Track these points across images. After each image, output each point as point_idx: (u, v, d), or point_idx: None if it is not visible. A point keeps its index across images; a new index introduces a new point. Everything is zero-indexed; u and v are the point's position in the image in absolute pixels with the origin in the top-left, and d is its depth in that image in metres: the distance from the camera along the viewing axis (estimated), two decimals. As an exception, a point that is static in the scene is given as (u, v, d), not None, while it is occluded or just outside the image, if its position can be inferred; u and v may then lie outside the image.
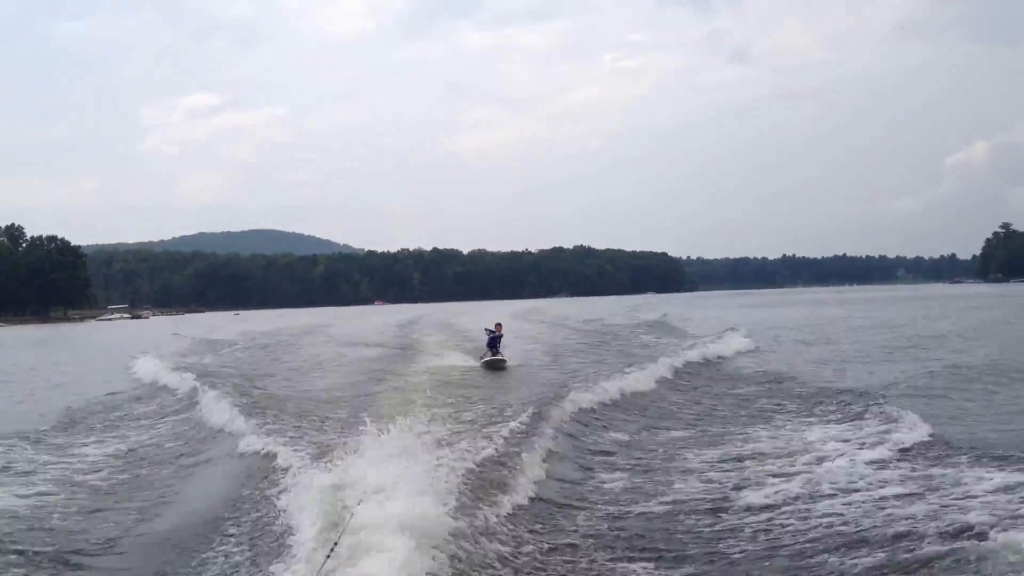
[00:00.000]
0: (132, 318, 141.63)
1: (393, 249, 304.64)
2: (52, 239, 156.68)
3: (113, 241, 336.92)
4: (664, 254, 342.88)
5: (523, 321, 61.05)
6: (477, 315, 76.39)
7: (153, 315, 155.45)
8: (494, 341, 28.42)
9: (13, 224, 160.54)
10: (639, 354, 31.52)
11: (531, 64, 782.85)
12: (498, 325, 29.53)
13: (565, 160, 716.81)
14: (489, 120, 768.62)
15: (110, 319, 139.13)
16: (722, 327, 43.72)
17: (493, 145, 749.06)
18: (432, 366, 28.14)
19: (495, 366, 26.93)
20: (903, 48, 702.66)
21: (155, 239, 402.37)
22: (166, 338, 57.03)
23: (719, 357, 29.67)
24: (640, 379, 22.00)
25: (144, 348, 41.41)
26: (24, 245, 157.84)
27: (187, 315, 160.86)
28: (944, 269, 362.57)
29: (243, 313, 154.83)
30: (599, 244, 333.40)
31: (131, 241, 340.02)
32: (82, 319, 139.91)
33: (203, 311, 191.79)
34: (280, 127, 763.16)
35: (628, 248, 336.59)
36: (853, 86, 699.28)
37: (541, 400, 16.98)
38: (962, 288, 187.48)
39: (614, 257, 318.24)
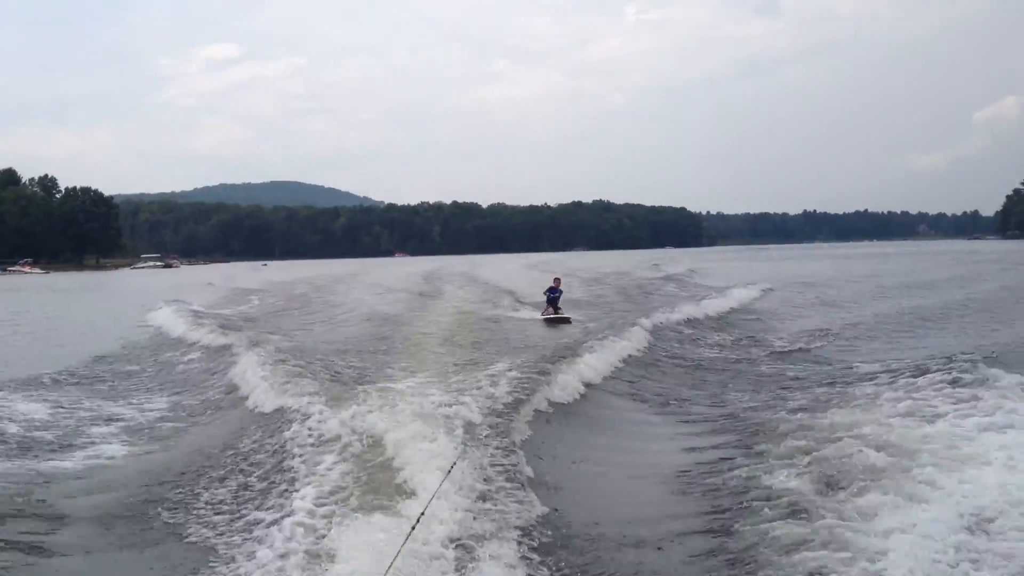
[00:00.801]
0: (164, 267, 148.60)
1: (413, 202, 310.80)
2: (86, 190, 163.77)
3: (136, 191, 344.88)
4: (683, 209, 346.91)
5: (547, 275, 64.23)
6: (499, 267, 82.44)
7: (183, 264, 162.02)
8: (554, 296, 28.10)
9: (47, 175, 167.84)
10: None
11: (552, 16, 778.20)
12: (557, 280, 29.29)
13: (586, 115, 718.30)
14: (510, 73, 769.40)
15: (143, 267, 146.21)
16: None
17: (514, 98, 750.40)
18: (490, 314, 28.89)
19: (558, 322, 26.11)
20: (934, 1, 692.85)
21: (176, 190, 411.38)
22: (201, 286, 58.91)
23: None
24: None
25: (187, 296, 42.21)
26: (58, 195, 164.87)
27: (214, 265, 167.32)
28: (967, 226, 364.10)
29: (270, 263, 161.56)
30: (618, 199, 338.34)
31: (153, 191, 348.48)
32: (116, 267, 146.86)
33: (228, 261, 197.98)
34: (299, 78, 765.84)
35: (647, 203, 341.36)
36: (882, 40, 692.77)
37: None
38: (974, 244, 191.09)
39: (632, 212, 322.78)
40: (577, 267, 76.76)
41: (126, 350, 23.48)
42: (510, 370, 14.20)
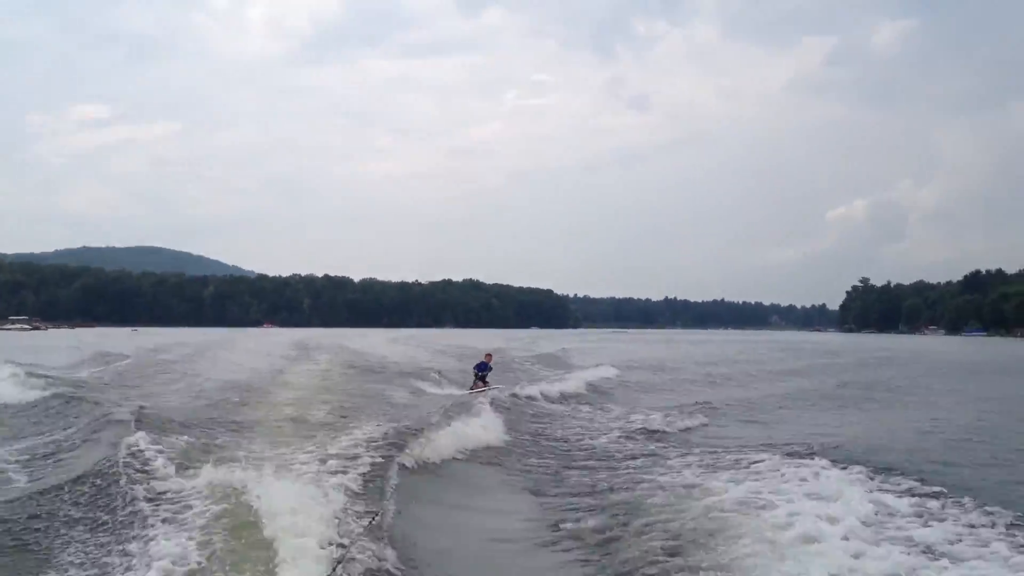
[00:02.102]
0: (32, 329, 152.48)
1: (283, 272, 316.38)
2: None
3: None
4: (550, 291, 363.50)
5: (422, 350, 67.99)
6: (366, 340, 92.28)
7: (49, 328, 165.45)
8: (483, 372, 28.98)
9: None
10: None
11: (434, 96, 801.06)
12: (488, 355, 30.62)
13: (463, 195, 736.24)
14: (389, 149, 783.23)
15: (10, 328, 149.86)
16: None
17: (392, 174, 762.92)
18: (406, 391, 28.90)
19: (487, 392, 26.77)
20: (793, 105, 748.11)
21: (36, 251, 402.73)
22: (73, 349, 61.19)
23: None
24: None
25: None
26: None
27: (82, 329, 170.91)
28: (814, 317, 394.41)
29: (140, 329, 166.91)
30: (488, 278, 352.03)
31: (10, 252, 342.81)
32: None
33: (93, 326, 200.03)
34: (174, 143, 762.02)
35: (516, 283, 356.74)
36: (745, 138, 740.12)
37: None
38: (809, 335, 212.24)
39: (501, 292, 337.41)
40: (448, 344, 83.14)
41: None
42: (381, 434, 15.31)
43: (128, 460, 12.91)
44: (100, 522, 10.31)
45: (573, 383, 32.37)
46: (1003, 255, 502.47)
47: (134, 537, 9.24)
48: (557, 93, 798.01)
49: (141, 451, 13.40)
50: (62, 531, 10.32)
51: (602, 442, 18.30)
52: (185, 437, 15.29)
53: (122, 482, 11.68)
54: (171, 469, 12.15)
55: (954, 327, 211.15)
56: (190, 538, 8.28)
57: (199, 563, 7.51)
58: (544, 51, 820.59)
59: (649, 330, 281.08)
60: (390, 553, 8.55)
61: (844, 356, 66.59)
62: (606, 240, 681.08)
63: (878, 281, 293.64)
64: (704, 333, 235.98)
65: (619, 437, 19.05)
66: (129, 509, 10.48)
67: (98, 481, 12.15)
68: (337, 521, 8.52)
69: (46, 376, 30.04)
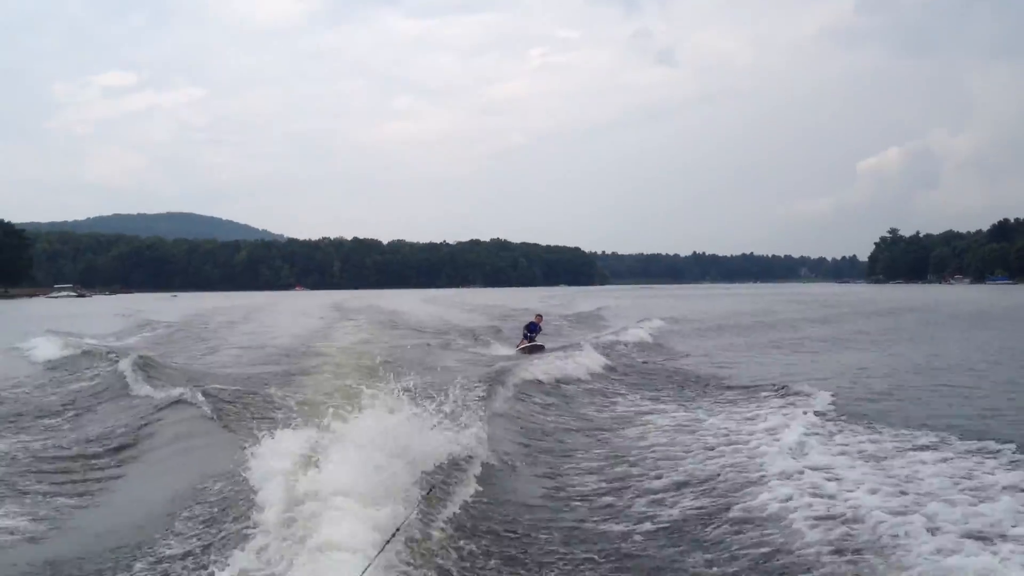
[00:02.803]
0: (78, 296, 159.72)
1: (311, 236, 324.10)
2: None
3: (27, 220, 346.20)
4: (577, 249, 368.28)
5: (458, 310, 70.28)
6: (400, 300, 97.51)
7: (94, 295, 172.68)
8: (533, 330, 29.81)
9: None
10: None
11: (457, 55, 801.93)
12: (539, 316, 31.49)
13: (487, 154, 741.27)
14: (413, 110, 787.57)
15: (58, 296, 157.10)
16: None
17: (417, 135, 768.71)
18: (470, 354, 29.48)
19: (532, 351, 27.61)
20: (824, 55, 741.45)
21: (69, 219, 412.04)
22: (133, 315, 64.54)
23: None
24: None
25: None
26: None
27: (122, 295, 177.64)
28: (844, 269, 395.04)
29: (180, 295, 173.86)
30: (515, 237, 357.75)
31: (44, 220, 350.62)
32: (30, 296, 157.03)
33: (131, 292, 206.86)
34: (199, 109, 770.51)
35: (543, 242, 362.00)
36: (775, 90, 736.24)
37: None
38: (832, 287, 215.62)
39: (528, 251, 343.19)
40: (479, 303, 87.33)
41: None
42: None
43: (202, 417, 14.49)
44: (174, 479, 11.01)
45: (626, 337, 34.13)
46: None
47: (206, 492, 9.83)
48: (582, 49, 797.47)
49: (215, 408, 14.83)
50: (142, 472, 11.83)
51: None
52: (252, 396, 16.48)
53: (200, 442, 12.94)
54: (241, 426, 13.11)
55: (980, 276, 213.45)
56: (254, 496, 8.44)
57: (261, 520, 7.61)
58: (568, 6, 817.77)
59: (676, 286, 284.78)
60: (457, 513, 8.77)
61: (838, 307, 70.18)
62: (633, 197, 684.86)
63: (909, 231, 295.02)
64: (728, 288, 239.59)
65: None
66: (203, 465, 11.25)
67: (181, 443, 13.30)
68: (404, 487, 8.39)
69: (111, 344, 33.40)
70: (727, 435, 13.22)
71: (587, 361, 23.56)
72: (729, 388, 19.37)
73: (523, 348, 28.60)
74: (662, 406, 17.03)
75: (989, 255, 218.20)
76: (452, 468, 10.28)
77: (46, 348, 30.35)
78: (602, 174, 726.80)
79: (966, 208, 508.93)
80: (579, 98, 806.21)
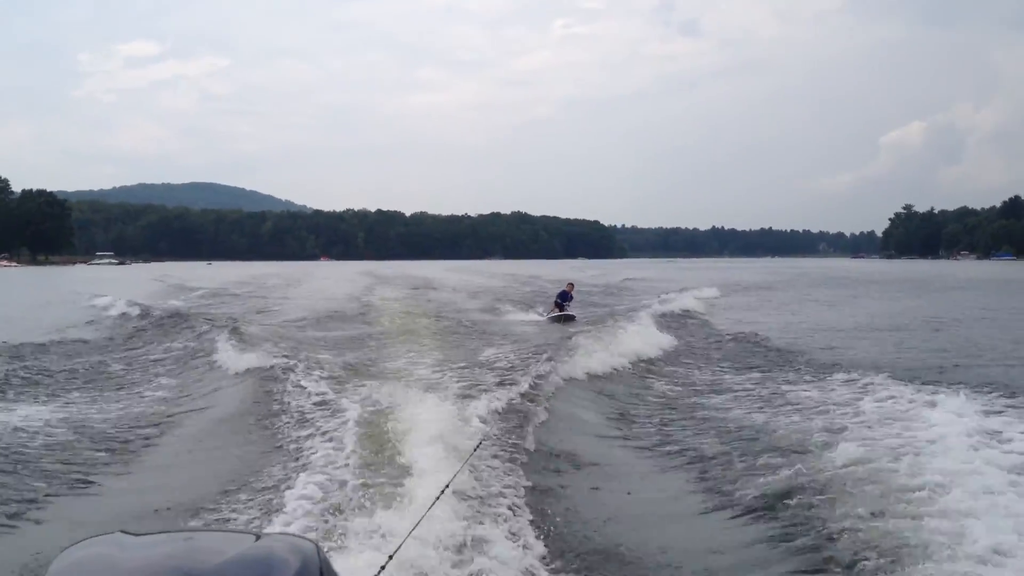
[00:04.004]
0: (119, 264, 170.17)
1: (335, 207, 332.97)
2: (41, 192, 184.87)
3: (53, 189, 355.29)
4: (596, 222, 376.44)
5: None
6: (428, 269, 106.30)
7: (133, 263, 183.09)
8: (565, 299, 30.21)
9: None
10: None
11: (481, 27, 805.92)
12: (570, 285, 32.05)
13: (510, 126, 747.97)
14: (437, 82, 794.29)
15: (99, 264, 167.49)
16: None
17: (441, 106, 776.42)
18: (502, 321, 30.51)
19: (563, 320, 28.02)
20: (849, 26, 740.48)
21: (95, 188, 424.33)
22: (185, 280, 71.54)
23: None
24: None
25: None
26: (14, 196, 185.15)
27: (156, 264, 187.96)
28: (862, 244, 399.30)
29: (215, 263, 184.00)
30: (536, 210, 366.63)
31: (71, 189, 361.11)
32: (73, 263, 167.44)
33: (162, 260, 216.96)
34: (223, 79, 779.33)
35: (563, 215, 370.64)
36: (798, 62, 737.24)
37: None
38: (843, 262, 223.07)
39: (548, 224, 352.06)
40: (501, 272, 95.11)
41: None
42: (512, 357, 16.62)
43: (279, 375, 15.50)
44: (259, 430, 11.78)
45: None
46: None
47: (287, 443, 10.47)
48: (606, 20, 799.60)
49: (289, 368, 15.76)
50: (227, 434, 12.12)
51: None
52: (322, 355, 17.69)
53: (277, 396, 13.71)
54: (317, 385, 13.90)
55: (987, 252, 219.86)
56: (335, 448, 9.35)
57: (343, 465, 8.56)
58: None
59: (694, 259, 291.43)
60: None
61: (812, 276, 79.14)
62: (653, 169, 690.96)
63: (935, 206, 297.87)
64: (745, 261, 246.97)
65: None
66: (282, 420, 11.97)
67: (257, 398, 14.24)
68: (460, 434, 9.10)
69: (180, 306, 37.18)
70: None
71: (648, 333, 23.80)
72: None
73: (554, 317, 29.01)
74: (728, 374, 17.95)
75: (998, 232, 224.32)
76: (510, 424, 10.90)
77: (136, 310, 33.70)
78: (623, 146, 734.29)
79: (989, 184, 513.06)
80: (602, 69, 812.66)
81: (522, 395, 12.70)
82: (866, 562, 6.34)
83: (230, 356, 18.67)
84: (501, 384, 13.52)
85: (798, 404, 13.34)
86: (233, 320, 27.20)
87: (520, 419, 11.35)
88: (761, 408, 13.34)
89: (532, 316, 31.73)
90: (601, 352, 18.53)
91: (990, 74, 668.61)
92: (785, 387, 15.30)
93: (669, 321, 29.37)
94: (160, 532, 2.66)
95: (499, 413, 11.16)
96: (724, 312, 36.69)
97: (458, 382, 11.95)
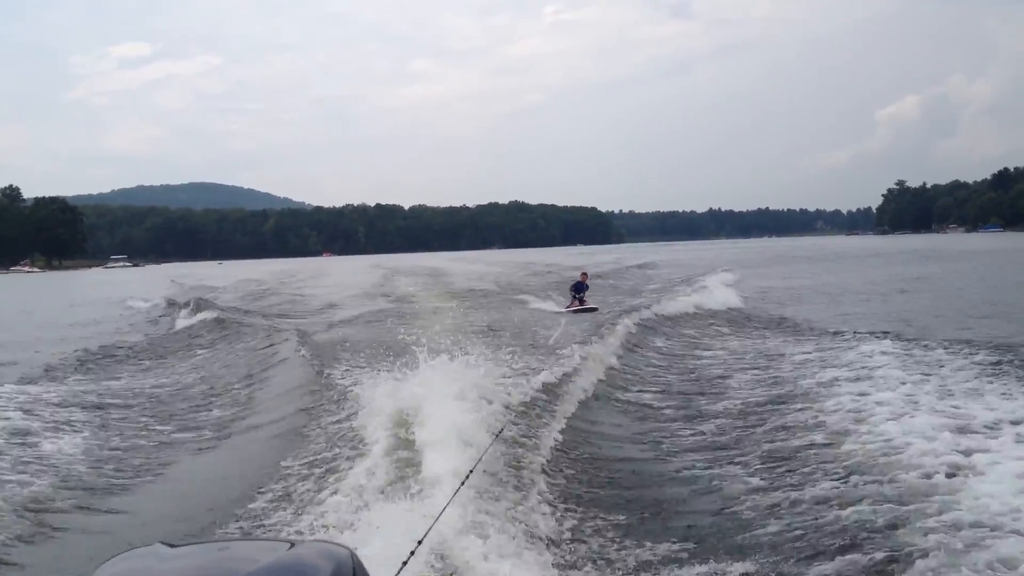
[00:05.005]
0: (133, 266, 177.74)
1: (332, 202, 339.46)
2: (54, 199, 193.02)
3: (51, 193, 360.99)
4: (594, 208, 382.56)
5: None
6: (436, 262, 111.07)
7: (146, 265, 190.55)
8: (580, 292, 29.79)
9: (10, 186, 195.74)
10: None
11: (471, 16, 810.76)
12: (584, 275, 31.50)
13: (504, 114, 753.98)
14: (430, 73, 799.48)
15: (114, 267, 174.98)
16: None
17: (434, 97, 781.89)
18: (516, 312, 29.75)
19: (585, 312, 27.60)
20: (843, 1, 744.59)
21: (94, 191, 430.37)
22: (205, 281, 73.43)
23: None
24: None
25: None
26: (27, 203, 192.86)
27: (166, 264, 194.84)
28: (859, 221, 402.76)
29: (224, 263, 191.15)
30: (533, 199, 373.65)
31: (70, 193, 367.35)
32: (88, 267, 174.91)
33: (170, 262, 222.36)
34: (216, 77, 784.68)
35: (560, 203, 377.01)
36: (791, 40, 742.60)
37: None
38: (836, 239, 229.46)
39: (546, 212, 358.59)
40: (504, 260, 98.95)
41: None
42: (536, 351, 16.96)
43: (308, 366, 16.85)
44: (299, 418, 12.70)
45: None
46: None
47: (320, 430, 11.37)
48: (595, 5, 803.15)
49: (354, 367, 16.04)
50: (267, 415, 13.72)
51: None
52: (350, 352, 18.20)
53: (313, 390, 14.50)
54: (350, 378, 14.53)
55: (975, 225, 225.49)
56: (362, 432, 10.07)
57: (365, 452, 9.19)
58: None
59: (692, 242, 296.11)
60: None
61: (799, 254, 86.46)
62: (649, 153, 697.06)
63: (930, 181, 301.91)
64: (743, 242, 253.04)
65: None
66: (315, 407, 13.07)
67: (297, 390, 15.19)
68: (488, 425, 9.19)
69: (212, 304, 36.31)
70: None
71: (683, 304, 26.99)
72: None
73: (573, 310, 28.55)
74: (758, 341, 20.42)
75: (986, 204, 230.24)
76: (532, 412, 11.26)
77: (186, 314, 33.88)
78: (618, 131, 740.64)
79: (984, 156, 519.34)
80: (593, 55, 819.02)
81: (545, 385, 12.99)
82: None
83: (282, 358, 19.37)
84: (522, 374, 13.80)
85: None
86: (281, 321, 28.82)
87: (542, 407, 11.81)
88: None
89: (549, 306, 31.89)
90: (623, 342, 19.33)
91: (984, 45, 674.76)
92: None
93: (696, 309, 29.09)
94: (197, 543, 2.98)
95: (521, 402, 11.44)
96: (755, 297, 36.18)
97: (479, 371, 11.78)
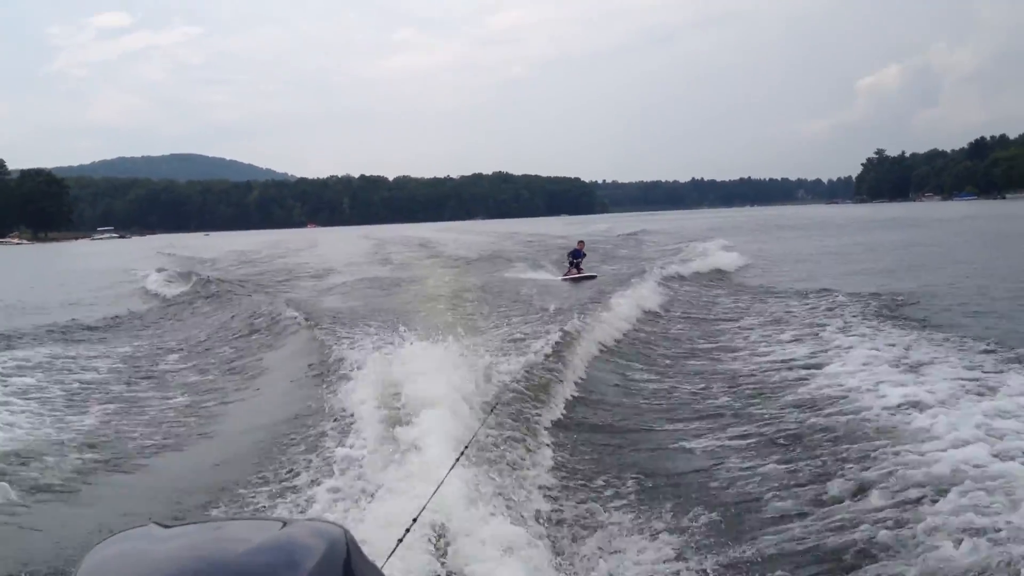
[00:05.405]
0: (120, 238, 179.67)
1: (317, 174, 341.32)
2: (39, 171, 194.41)
3: (32, 165, 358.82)
4: (577, 179, 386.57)
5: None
6: (422, 232, 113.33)
7: (133, 237, 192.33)
8: (577, 259, 29.94)
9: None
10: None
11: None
12: (581, 243, 31.66)
13: (488, 85, 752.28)
14: (414, 43, 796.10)
15: (101, 238, 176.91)
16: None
17: (418, 69, 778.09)
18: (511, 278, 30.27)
19: (583, 280, 27.77)
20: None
21: (75, 163, 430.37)
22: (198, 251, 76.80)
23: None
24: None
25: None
26: (13, 176, 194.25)
27: (155, 236, 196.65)
28: (839, 190, 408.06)
29: (212, 234, 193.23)
30: (517, 169, 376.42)
31: (51, 165, 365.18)
32: (75, 239, 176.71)
33: (155, 233, 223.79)
34: (196, 48, 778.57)
35: (544, 173, 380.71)
36: (776, 9, 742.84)
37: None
38: (821, 208, 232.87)
39: (530, 182, 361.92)
40: (491, 230, 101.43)
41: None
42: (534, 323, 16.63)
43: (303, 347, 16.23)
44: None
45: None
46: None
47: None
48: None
49: (317, 340, 16.06)
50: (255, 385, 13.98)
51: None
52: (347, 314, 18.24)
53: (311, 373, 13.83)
54: (340, 351, 14.26)
55: (950, 194, 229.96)
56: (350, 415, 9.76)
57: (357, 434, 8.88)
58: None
59: (675, 211, 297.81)
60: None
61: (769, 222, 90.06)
62: (633, 124, 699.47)
63: (910, 150, 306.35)
64: (725, 212, 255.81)
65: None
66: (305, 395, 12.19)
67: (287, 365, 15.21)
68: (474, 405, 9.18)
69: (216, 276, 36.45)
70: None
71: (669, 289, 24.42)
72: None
73: (571, 278, 28.74)
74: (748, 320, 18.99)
75: (962, 173, 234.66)
76: (529, 384, 11.05)
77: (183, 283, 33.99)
78: (602, 102, 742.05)
79: (965, 125, 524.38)
80: (578, 25, 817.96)
81: (543, 356, 12.72)
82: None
83: (273, 328, 19.37)
84: (516, 345, 13.83)
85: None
86: (274, 289, 29.44)
87: (539, 381, 11.47)
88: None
89: (544, 275, 31.84)
90: (625, 311, 18.54)
91: (965, 13, 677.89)
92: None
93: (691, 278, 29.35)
94: (190, 523, 2.96)
95: (517, 375, 11.21)
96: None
97: (475, 343, 11.84)
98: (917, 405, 9.51)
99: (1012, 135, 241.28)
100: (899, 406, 9.58)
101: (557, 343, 13.59)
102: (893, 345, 13.55)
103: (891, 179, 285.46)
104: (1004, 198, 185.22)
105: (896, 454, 7.93)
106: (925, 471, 7.36)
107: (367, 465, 7.78)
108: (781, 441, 9.23)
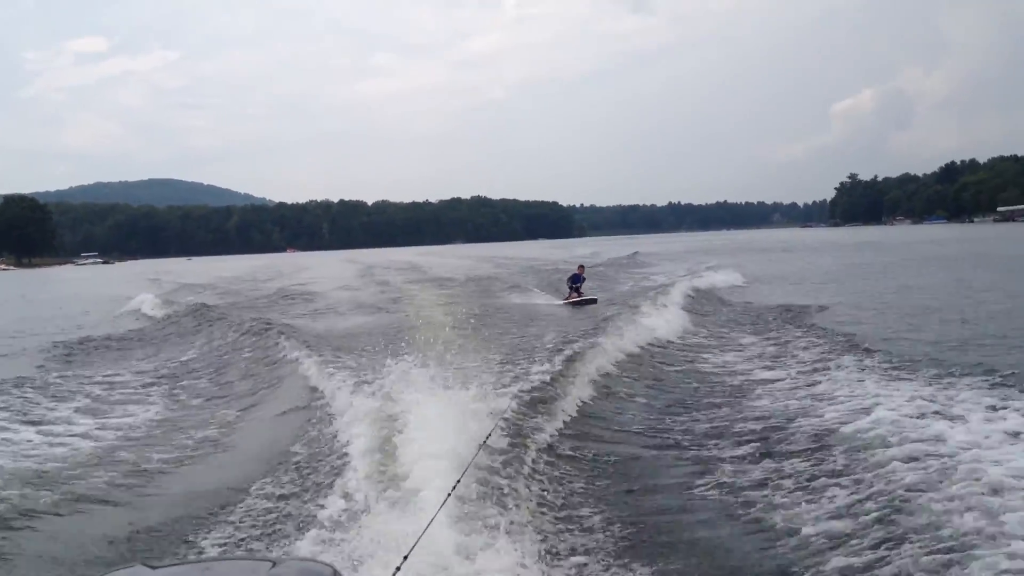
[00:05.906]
0: (104, 263, 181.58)
1: (296, 198, 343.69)
2: (23, 197, 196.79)
3: (8, 190, 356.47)
4: (555, 203, 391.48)
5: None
6: (402, 256, 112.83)
7: (115, 262, 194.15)
8: (577, 284, 30.07)
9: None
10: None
11: (432, 9, 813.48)
12: (581, 267, 31.98)
13: (467, 109, 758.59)
14: (391, 67, 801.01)
15: (85, 264, 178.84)
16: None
17: (396, 92, 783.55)
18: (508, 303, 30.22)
19: (584, 304, 28.14)
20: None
21: (51, 189, 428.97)
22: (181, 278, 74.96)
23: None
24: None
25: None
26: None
27: (137, 261, 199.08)
28: (814, 214, 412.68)
29: (194, 259, 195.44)
30: (495, 194, 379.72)
31: (27, 191, 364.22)
32: (60, 264, 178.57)
33: (136, 259, 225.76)
34: (174, 72, 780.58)
35: (523, 197, 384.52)
36: (751, 34, 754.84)
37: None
38: (795, 232, 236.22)
39: (508, 206, 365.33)
40: (474, 254, 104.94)
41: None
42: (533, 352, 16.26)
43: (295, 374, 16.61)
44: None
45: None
46: (1018, 139, 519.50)
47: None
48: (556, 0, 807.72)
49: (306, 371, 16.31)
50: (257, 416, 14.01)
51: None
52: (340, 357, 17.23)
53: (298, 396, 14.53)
54: (330, 380, 14.32)
55: (921, 217, 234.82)
56: (345, 443, 10.05)
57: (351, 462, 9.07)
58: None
59: (654, 235, 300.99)
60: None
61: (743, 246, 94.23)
62: (610, 148, 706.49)
63: (884, 174, 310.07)
64: (703, 235, 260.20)
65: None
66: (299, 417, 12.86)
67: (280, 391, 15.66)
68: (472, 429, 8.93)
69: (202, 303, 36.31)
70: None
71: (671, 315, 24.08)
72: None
73: (572, 302, 28.95)
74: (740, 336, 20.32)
75: (933, 196, 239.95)
76: (523, 417, 11.03)
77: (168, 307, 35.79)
78: (579, 126, 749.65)
79: (938, 149, 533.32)
80: (555, 50, 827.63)
81: (535, 387, 12.67)
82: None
83: (271, 361, 19.08)
84: (511, 375, 13.73)
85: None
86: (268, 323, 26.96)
87: (531, 413, 11.39)
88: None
89: (544, 300, 32.35)
90: (626, 337, 18.51)
91: (938, 38, 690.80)
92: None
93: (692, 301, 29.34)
94: (178, 563, 2.88)
95: (507, 410, 10.79)
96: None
97: (469, 374, 11.79)
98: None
99: (982, 159, 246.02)
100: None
101: (551, 373, 13.68)
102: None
103: (864, 203, 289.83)
104: (972, 222, 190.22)
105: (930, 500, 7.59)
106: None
107: (357, 502, 7.87)
108: (789, 479, 9.13)
